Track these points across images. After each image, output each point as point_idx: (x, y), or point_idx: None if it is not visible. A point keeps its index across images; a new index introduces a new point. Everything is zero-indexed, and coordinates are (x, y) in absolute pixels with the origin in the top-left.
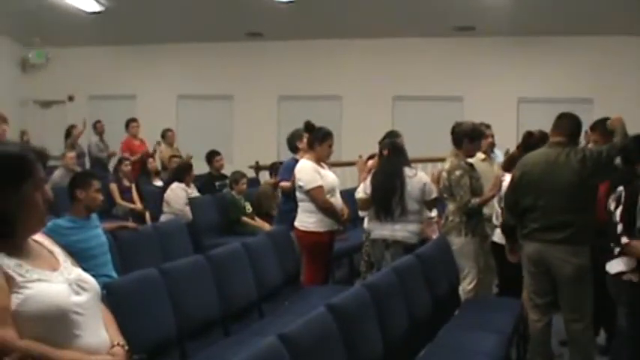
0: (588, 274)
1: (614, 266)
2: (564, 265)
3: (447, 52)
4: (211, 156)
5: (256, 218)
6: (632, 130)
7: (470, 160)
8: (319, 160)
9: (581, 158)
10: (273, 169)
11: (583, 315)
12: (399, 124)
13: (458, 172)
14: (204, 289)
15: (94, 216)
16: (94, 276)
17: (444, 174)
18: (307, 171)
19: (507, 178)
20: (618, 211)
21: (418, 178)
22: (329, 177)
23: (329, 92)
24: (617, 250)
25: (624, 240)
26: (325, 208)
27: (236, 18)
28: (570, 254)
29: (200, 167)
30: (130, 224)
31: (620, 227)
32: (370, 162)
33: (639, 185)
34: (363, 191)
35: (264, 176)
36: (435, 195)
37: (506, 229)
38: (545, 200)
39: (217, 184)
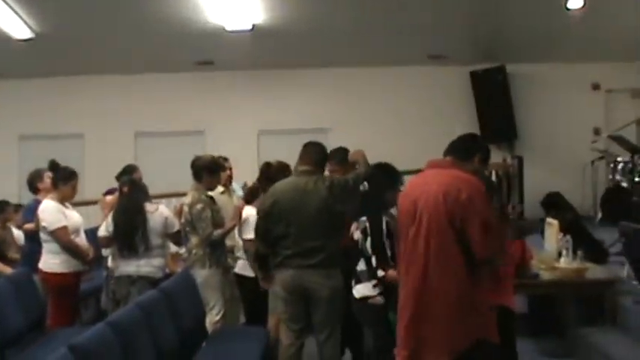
0: (342, 294)
1: (360, 291)
2: (320, 288)
3: (187, 86)
4: None
5: None
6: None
7: (210, 192)
8: (63, 200)
9: (328, 185)
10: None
11: (335, 334)
12: (142, 160)
13: (199, 206)
14: None
15: None
16: None
17: (186, 208)
18: (51, 211)
19: (248, 210)
20: (368, 243)
21: (159, 213)
22: (73, 217)
23: (70, 130)
24: (373, 282)
25: (380, 273)
26: (70, 249)
27: None
28: (324, 277)
29: None
30: None
31: (374, 260)
32: (109, 197)
33: (381, 215)
34: (105, 229)
35: None
36: (177, 228)
37: (258, 258)
38: (296, 227)
39: None
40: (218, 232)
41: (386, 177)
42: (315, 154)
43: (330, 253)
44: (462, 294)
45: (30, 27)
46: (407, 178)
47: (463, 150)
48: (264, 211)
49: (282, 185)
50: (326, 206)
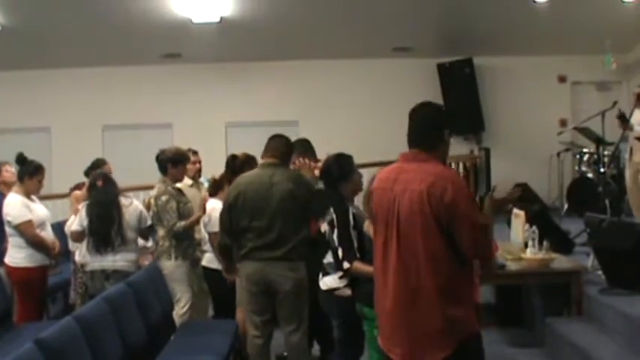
0: (306, 287)
1: (327, 283)
2: (284, 280)
3: (154, 79)
4: None
5: None
6: (333, 149)
7: (179, 185)
8: (28, 194)
9: (295, 178)
10: None
11: (301, 327)
12: (110, 154)
13: (164, 197)
14: None
15: None
16: None
17: (152, 200)
18: (15, 205)
19: (212, 202)
20: (335, 235)
21: (134, 207)
22: (39, 210)
23: (37, 124)
24: (339, 273)
25: (346, 265)
26: (35, 243)
27: None
28: (288, 270)
29: None
30: None
31: (340, 252)
32: (77, 192)
33: (347, 207)
34: (78, 224)
35: None
36: (150, 222)
37: (222, 250)
38: (260, 219)
39: None
40: (181, 223)
41: (339, 170)
42: (280, 146)
43: (294, 245)
44: (452, 290)
45: None
46: (374, 170)
47: (430, 138)
48: (229, 203)
49: (246, 177)
50: (291, 198)
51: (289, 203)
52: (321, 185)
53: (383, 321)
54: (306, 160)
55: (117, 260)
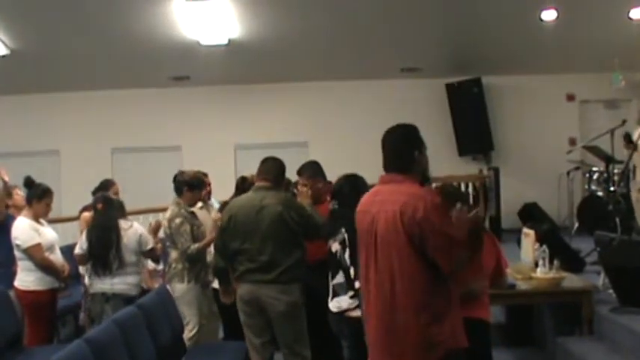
0: (301, 310)
1: (336, 304)
2: (276, 303)
3: (163, 102)
4: None
5: None
6: (343, 170)
7: (191, 208)
8: (37, 217)
9: (286, 202)
10: None
11: (299, 349)
12: (119, 176)
13: (178, 220)
14: None
15: None
16: None
17: (165, 222)
18: (24, 229)
19: None
20: (347, 255)
21: (134, 230)
22: (47, 234)
23: (46, 147)
24: (350, 293)
25: (357, 284)
26: (44, 266)
27: None
28: (281, 293)
29: None
30: None
31: (352, 271)
32: (86, 214)
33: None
34: (80, 247)
35: None
36: (151, 245)
37: (217, 272)
38: (251, 242)
39: None
40: (195, 245)
41: (352, 190)
42: (272, 169)
43: (286, 268)
44: (430, 309)
45: (5, 44)
46: None
47: (402, 160)
48: (222, 226)
49: (239, 201)
50: (281, 220)
51: (279, 226)
52: (335, 206)
53: (369, 338)
54: (305, 188)
55: (115, 283)
